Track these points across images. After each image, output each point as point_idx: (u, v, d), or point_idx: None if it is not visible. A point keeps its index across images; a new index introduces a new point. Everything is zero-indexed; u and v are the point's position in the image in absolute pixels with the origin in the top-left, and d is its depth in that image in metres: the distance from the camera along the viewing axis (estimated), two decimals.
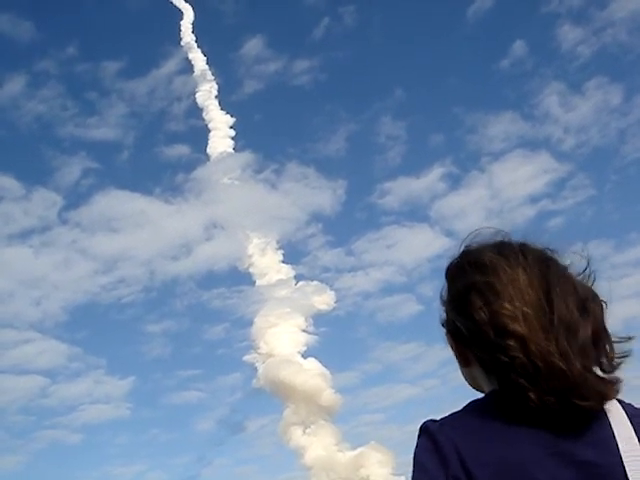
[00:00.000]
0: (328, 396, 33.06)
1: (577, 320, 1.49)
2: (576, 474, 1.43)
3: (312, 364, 33.99)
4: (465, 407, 1.54)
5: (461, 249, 1.67)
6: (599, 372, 1.50)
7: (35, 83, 56.01)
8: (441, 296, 1.66)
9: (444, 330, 1.66)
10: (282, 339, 34.26)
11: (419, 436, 1.52)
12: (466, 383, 1.68)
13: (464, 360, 1.63)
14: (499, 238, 1.64)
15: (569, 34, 50.89)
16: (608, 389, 1.49)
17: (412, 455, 1.51)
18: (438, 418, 1.53)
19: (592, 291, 1.57)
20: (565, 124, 50.06)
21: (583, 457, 1.44)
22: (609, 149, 52.38)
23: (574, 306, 1.51)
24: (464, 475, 1.43)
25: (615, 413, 1.50)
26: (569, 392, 1.43)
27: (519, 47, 53.01)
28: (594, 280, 1.59)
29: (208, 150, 37.97)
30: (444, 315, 1.66)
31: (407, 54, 57.45)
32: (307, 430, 32.96)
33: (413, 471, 1.49)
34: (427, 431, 1.50)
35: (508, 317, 1.48)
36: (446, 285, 1.67)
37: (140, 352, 53.68)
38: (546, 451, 1.44)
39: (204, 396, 50.63)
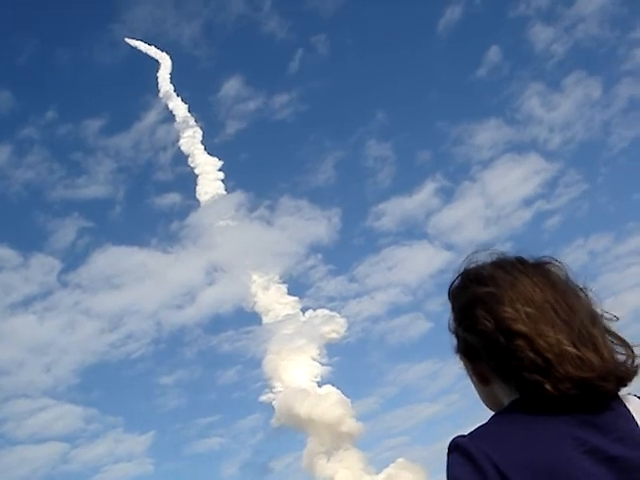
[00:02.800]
0: (349, 424, 32.81)
1: (586, 311, 1.57)
2: (609, 469, 1.47)
3: (329, 391, 33.80)
4: (490, 419, 1.56)
5: (460, 270, 1.73)
6: (615, 357, 1.54)
7: (20, 151, 56.66)
8: (449, 325, 1.71)
9: (459, 356, 1.70)
10: (296, 373, 34.12)
11: (449, 453, 1.52)
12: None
13: (482, 379, 1.66)
14: (495, 256, 1.71)
15: (541, 34, 51.83)
16: (625, 371, 1.54)
17: (445, 474, 1.50)
18: (465, 433, 1.53)
19: (584, 287, 1.64)
20: (549, 123, 50.57)
21: (614, 452, 1.48)
22: (596, 142, 52.97)
23: (581, 300, 1.60)
24: None
25: (637, 408, 1.55)
26: (586, 376, 1.48)
27: (494, 53, 53.82)
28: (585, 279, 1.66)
29: (199, 195, 38.30)
30: (455, 340, 1.70)
31: (384, 74, 57.95)
32: (331, 458, 32.61)
33: None
34: (457, 446, 1.51)
35: (510, 319, 1.55)
36: (450, 306, 1.72)
37: (156, 405, 53.33)
38: (579, 449, 1.47)
39: (225, 441, 49.88)
